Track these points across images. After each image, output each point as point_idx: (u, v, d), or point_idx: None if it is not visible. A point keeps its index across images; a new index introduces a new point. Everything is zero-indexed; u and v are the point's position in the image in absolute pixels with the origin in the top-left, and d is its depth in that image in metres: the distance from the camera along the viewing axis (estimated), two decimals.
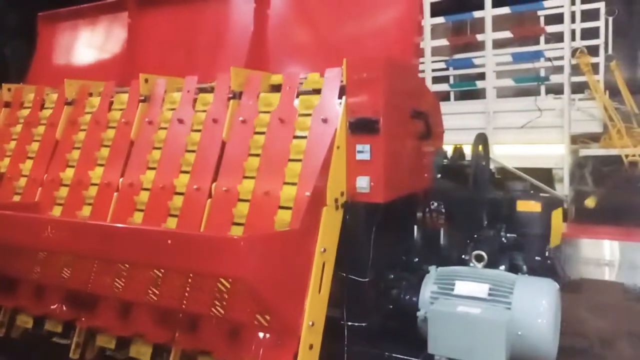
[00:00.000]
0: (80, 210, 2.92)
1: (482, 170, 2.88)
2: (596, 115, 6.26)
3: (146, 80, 2.98)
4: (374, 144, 2.29)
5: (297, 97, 2.57)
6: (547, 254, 2.66)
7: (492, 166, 3.85)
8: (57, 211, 3.00)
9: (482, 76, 6.33)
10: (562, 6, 5.71)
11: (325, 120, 2.40)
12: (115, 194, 2.83)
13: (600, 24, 7.29)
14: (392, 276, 2.58)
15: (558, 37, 5.93)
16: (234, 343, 2.21)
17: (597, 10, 7.34)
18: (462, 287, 2.33)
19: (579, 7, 7.22)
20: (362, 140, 2.31)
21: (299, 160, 2.41)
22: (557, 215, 2.76)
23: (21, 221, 2.39)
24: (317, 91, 2.52)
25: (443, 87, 7.15)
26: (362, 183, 2.29)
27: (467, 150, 3.00)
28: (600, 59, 7.18)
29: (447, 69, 7.62)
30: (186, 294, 2.25)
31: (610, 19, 7.39)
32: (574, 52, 6.13)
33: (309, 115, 2.48)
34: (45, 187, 3.08)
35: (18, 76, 4.52)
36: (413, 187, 2.70)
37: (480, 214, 2.79)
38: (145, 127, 2.91)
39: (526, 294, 2.23)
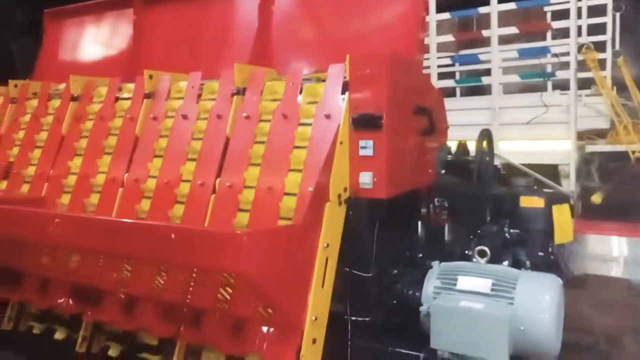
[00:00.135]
0: (86, 205, 2.94)
1: (485, 166, 2.87)
2: (603, 112, 6.22)
3: (150, 77, 3.00)
4: (377, 139, 2.30)
5: (301, 92, 2.57)
6: (550, 249, 2.66)
7: (497, 162, 3.86)
8: (63, 205, 3.03)
9: (488, 72, 6.30)
10: (568, 2, 5.67)
11: (328, 116, 2.40)
12: (120, 189, 2.85)
13: (607, 19, 7.23)
14: (396, 271, 2.59)
15: (565, 33, 5.89)
16: (238, 337, 2.23)
17: (604, 6, 7.29)
18: (464, 282, 2.33)
19: (585, 3, 7.17)
20: (365, 136, 2.31)
21: (303, 151, 2.41)
22: (563, 211, 2.76)
23: (27, 216, 2.42)
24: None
25: (449, 83, 7.13)
26: (365, 179, 2.30)
27: (472, 146, 3.00)
28: (608, 55, 7.13)
29: (452, 65, 7.60)
30: (190, 289, 2.26)
31: (618, 14, 7.34)
32: (580, 48, 6.09)
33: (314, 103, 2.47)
34: (51, 183, 3.11)
35: (24, 72, 4.55)
36: (416, 183, 2.70)
37: (484, 209, 2.78)
38: (149, 122, 2.93)
39: (529, 289, 2.23)
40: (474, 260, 2.49)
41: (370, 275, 2.37)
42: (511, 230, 2.70)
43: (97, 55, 4.32)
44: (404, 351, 2.35)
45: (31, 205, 2.90)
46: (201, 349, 2.42)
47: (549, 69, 6.89)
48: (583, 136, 6.30)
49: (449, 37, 6.69)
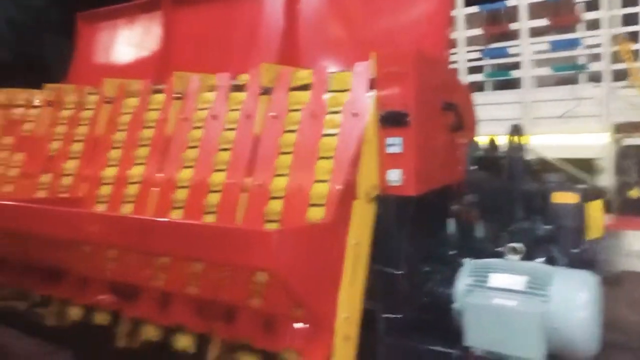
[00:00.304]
0: (122, 204, 3.02)
1: (516, 161, 2.84)
2: (638, 104, 6.05)
3: (180, 78, 3.05)
4: (405, 136, 2.29)
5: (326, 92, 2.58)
6: (585, 246, 2.60)
7: (530, 157, 3.79)
8: (100, 205, 3.11)
9: (518, 65, 6.20)
10: None
11: (355, 115, 2.41)
12: (154, 189, 2.91)
13: None
14: (427, 269, 2.58)
15: (597, 24, 5.75)
16: (272, 333, 2.26)
17: None
18: (497, 280, 2.31)
19: None
20: (393, 133, 2.31)
21: (331, 149, 2.43)
22: (596, 206, 2.70)
23: (67, 216, 2.50)
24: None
25: (478, 77, 7.03)
26: (394, 176, 2.30)
27: (503, 141, 2.96)
28: None
29: (482, 59, 7.48)
30: (223, 286, 2.30)
31: None
32: (614, 39, 5.93)
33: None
34: (88, 184, 3.19)
35: (60, 76, 4.69)
36: (446, 180, 2.68)
37: (515, 206, 2.75)
38: (180, 123, 2.98)
39: (564, 287, 2.19)
40: (507, 257, 2.46)
41: (401, 272, 2.36)
42: (544, 227, 2.66)
43: (129, 58, 4.41)
44: (436, 349, 2.35)
45: (70, 206, 2.99)
46: (236, 345, 2.46)
47: (581, 61, 6.72)
48: (621, 129, 6.13)
49: (478, 31, 6.59)
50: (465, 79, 6.42)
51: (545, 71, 6.18)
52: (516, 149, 2.91)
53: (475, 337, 2.20)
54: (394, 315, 2.33)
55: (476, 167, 2.92)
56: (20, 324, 3.73)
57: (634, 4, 7.03)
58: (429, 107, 2.47)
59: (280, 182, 2.51)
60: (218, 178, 2.71)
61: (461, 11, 6.09)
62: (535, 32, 6.29)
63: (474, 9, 6.64)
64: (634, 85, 6.04)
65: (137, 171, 3.04)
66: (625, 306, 3.64)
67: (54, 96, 3.66)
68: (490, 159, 2.94)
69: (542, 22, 6.00)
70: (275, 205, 2.47)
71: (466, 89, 3.22)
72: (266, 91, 2.73)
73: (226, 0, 3.89)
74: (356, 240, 2.16)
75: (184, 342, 2.56)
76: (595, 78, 6.06)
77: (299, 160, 2.49)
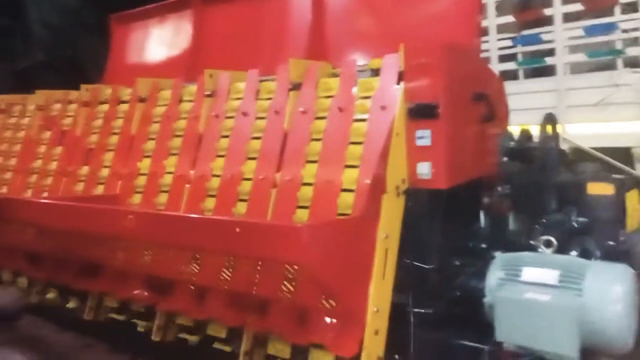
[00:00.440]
0: (157, 201, 3.10)
1: (550, 152, 2.78)
2: None
3: (211, 76, 3.10)
4: (434, 129, 2.27)
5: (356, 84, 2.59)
6: (622, 238, 2.54)
7: (565, 147, 3.71)
8: (136, 201, 3.21)
9: (552, 52, 6.04)
10: None
11: (383, 108, 2.40)
12: (187, 185, 2.98)
13: None
14: (458, 262, 2.56)
15: (635, 7, 5.55)
16: (303, 327, 2.29)
17: None
18: (530, 274, 2.27)
19: None
20: (422, 125, 2.29)
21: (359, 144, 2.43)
22: (633, 197, 2.62)
23: (105, 213, 2.59)
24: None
25: (510, 65, 6.88)
26: (423, 169, 2.28)
27: (537, 131, 2.90)
28: None
29: (514, 47, 7.31)
30: (256, 280, 2.35)
31: None
32: None
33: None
34: (124, 181, 3.29)
35: (95, 76, 4.82)
36: (477, 172, 2.65)
37: (549, 197, 2.69)
38: (212, 121, 3.03)
39: (599, 280, 2.14)
40: (539, 250, 2.42)
41: (431, 266, 2.36)
42: (579, 219, 2.60)
43: (161, 57, 4.50)
44: (467, 343, 2.34)
45: (106, 203, 3.09)
46: (267, 339, 2.51)
47: (618, 46, 6.50)
48: None
49: (510, 18, 6.44)
50: (497, 67, 6.30)
51: (580, 57, 6.01)
52: (550, 139, 2.85)
53: (507, 332, 2.18)
54: (424, 310, 2.32)
55: (508, 158, 2.87)
56: (57, 318, 3.89)
57: None
58: (459, 98, 2.44)
59: (311, 170, 2.53)
60: (249, 173, 2.75)
61: None
62: (569, 18, 6.11)
63: None
64: None
65: (170, 168, 3.11)
66: None
67: (89, 96, 3.77)
68: (523, 150, 2.88)
69: (576, 6, 5.82)
70: (307, 192, 2.49)
71: (497, 78, 3.16)
72: (295, 86, 2.75)
73: None
74: (386, 234, 2.16)
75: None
76: (633, 63, 5.85)
77: (328, 152, 2.51)
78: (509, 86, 3.09)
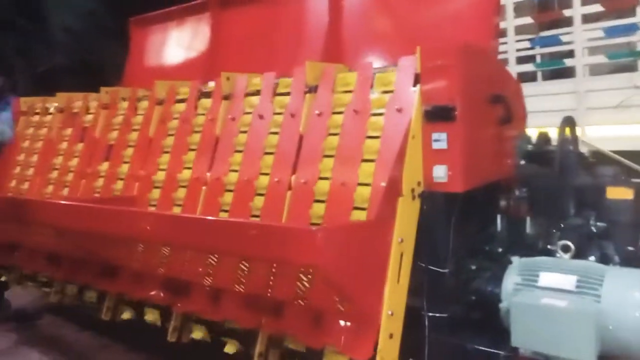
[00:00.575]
0: (173, 203, 3.13)
1: (568, 155, 2.74)
2: None
3: (227, 78, 3.12)
4: (450, 131, 2.26)
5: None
6: None
7: (584, 149, 3.65)
8: (153, 201, 3.24)
9: (571, 54, 5.96)
10: None
11: (399, 110, 2.39)
12: (204, 187, 3.00)
13: None
14: (474, 266, 2.54)
15: None
16: (318, 329, 2.29)
17: None
18: (547, 279, 2.24)
19: None
20: (438, 128, 2.28)
21: (375, 146, 2.43)
22: None
23: (123, 215, 2.62)
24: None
25: (529, 67, 6.80)
26: (440, 172, 2.27)
27: (555, 134, 2.87)
28: None
29: (532, 48, 7.23)
30: (271, 282, 2.36)
31: None
32: None
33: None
34: (142, 182, 3.33)
35: (115, 79, 4.88)
36: (494, 175, 2.63)
37: (567, 201, 2.66)
38: (228, 123, 3.05)
39: (617, 286, 2.10)
40: (557, 255, 2.39)
41: (447, 270, 2.34)
42: (597, 223, 2.56)
43: (179, 59, 4.55)
44: (482, 349, 2.31)
45: (124, 204, 3.13)
46: (282, 340, 2.52)
47: (638, 47, 6.38)
48: None
49: (528, 20, 6.37)
50: (515, 69, 6.23)
51: (600, 59, 5.92)
52: (568, 142, 2.82)
53: (523, 337, 2.16)
54: (439, 314, 2.31)
55: (526, 161, 2.85)
56: (76, 317, 3.95)
57: None
58: (475, 100, 2.42)
59: (328, 164, 2.53)
60: (265, 176, 2.77)
61: None
62: (589, 19, 6.03)
63: None
64: None
65: (187, 170, 3.14)
66: None
67: (109, 99, 3.82)
68: (541, 153, 2.85)
69: (596, 7, 5.73)
70: (324, 186, 2.50)
71: (515, 80, 3.14)
72: (311, 89, 2.75)
73: (271, 0, 3.94)
74: (401, 238, 2.15)
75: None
76: None
77: (343, 159, 2.51)
78: (528, 88, 3.06)
